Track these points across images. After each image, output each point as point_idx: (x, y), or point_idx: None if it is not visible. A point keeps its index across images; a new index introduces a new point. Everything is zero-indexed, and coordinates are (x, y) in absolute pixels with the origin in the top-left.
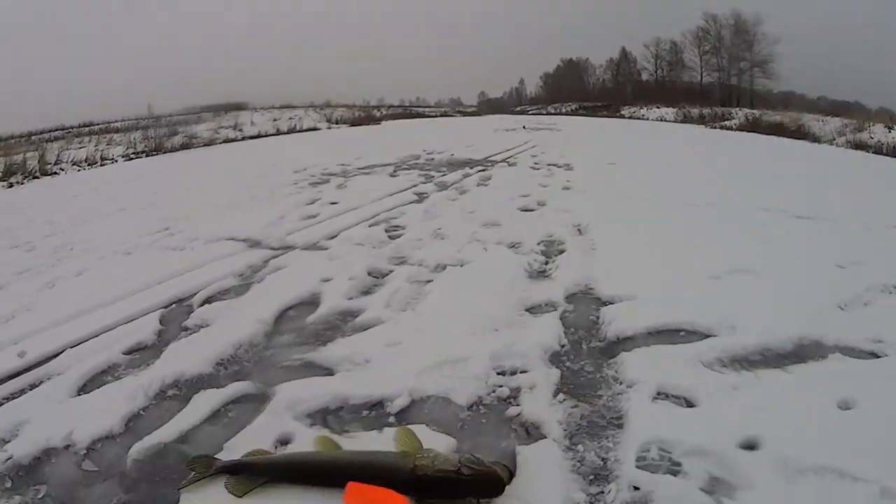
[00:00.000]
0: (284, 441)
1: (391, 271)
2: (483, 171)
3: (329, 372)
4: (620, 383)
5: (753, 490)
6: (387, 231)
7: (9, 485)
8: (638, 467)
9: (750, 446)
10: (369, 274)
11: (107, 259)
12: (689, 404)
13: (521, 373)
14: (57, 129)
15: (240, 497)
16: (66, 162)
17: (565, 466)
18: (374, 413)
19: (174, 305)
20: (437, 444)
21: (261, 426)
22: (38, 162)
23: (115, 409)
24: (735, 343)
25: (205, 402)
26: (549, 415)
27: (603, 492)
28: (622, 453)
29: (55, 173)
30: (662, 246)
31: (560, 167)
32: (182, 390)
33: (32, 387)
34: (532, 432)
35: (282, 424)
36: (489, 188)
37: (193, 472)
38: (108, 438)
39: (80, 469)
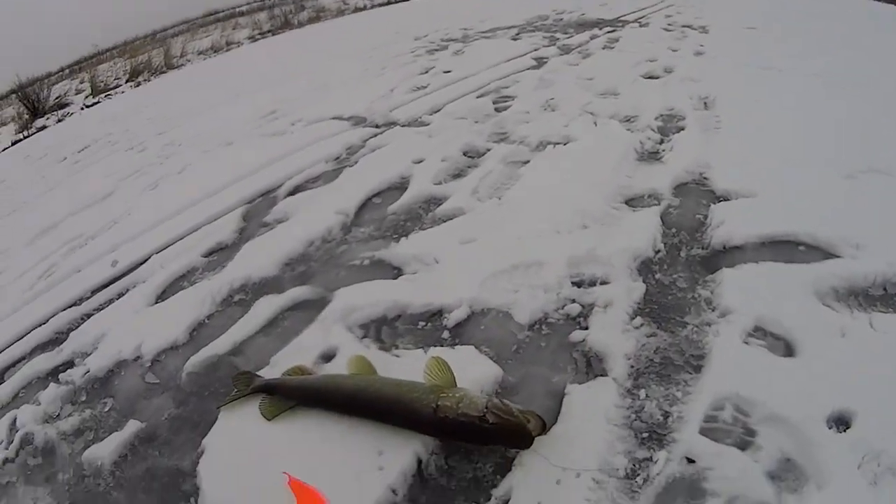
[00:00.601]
0: (327, 356)
1: (488, 150)
2: (612, 31)
3: (396, 273)
4: (713, 309)
5: (825, 488)
6: (494, 103)
7: (83, 398)
8: (703, 431)
9: (840, 422)
10: (464, 154)
11: (209, 152)
12: (787, 351)
13: (600, 284)
14: (181, 24)
15: (269, 420)
16: (192, 53)
17: (617, 417)
18: (429, 325)
19: (260, 199)
20: (480, 371)
21: (309, 338)
22: (164, 57)
23: (182, 319)
24: (857, 269)
25: (264, 309)
26: (618, 345)
27: (650, 459)
28: (690, 409)
29: (181, 66)
30: (796, 131)
31: (695, 29)
32: (248, 295)
33: (120, 295)
34: (593, 365)
35: (330, 337)
36: (614, 52)
37: (235, 390)
38: (171, 349)
39: (143, 381)
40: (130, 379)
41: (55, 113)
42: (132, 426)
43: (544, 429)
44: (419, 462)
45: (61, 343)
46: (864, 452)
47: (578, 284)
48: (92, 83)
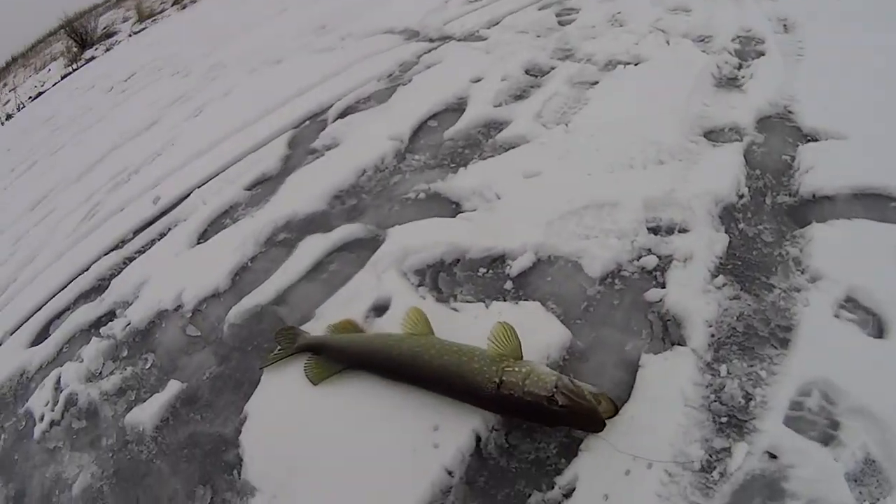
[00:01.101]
0: (380, 309)
1: (552, 69)
2: None
3: (454, 209)
4: (802, 272)
5: None
6: (557, 15)
7: (125, 353)
8: (787, 421)
9: None
10: (526, 72)
11: (255, 72)
12: (878, 330)
13: (679, 232)
14: None
15: (315, 384)
16: None
17: (695, 398)
18: (490, 273)
19: (307, 122)
20: (547, 334)
21: (359, 286)
22: None
23: (224, 263)
24: None
25: (310, 251)
26: (699, 308)
27: (729, 451)
28: (774, 393)
29: None
30: (891, 68)
31: None
32: (293, 233)
33: (161, 236)
34: (670, 331)
35: (382, 285)
36: None
37: (279, 347)
38: (213, 298)
39: (184, 334)
40: (171, 332)
41: (103, 43)
42: (173, 387)
43: (616, 412)
44: (477, 440)
45: (103, 291)
46: None
47: (655, 231)
48: (138, 9)
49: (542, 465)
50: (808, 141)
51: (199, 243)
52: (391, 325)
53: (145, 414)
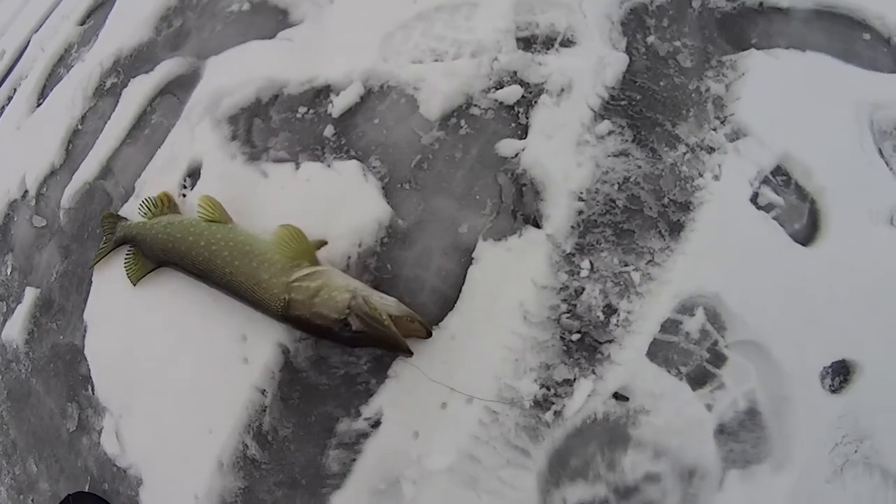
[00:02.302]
0: (194, 172)
1: None
2: None
3: (280, 21)
4: (722, 122)
5: (782, 471)
6: None
7: None
8: (654, 349)
9: (838, 375)
10: None
11: None
12: (808, 231)
13: (559, 47)
14: None
15: (134, 285)
16: None
17: (540, 307)
18: (311, 113)
19: None
20: (361, 206)
21: (175, 146)
22: None
23: (57, 129)
24: None
25: (133, 100)
26: (568, 170)
27: (571, 384)
28: (646, 308)
29: None
30: None
31: None
32: (120, 76)
33: (9, 100)
34: (525, 203)
35: (196, 142)
36: None
37: (104, 238)
38: (51, 177)
39: (32, 226)
40: (22, 225)
41: None
42: (30, 294)
43: (428, 335)
44: (286, 351)
45: None
46: (848, 430)
47: (527, 44)
48: None
49: (353, 384)
50: None
51: (38, 104)
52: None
53: (15, 329)
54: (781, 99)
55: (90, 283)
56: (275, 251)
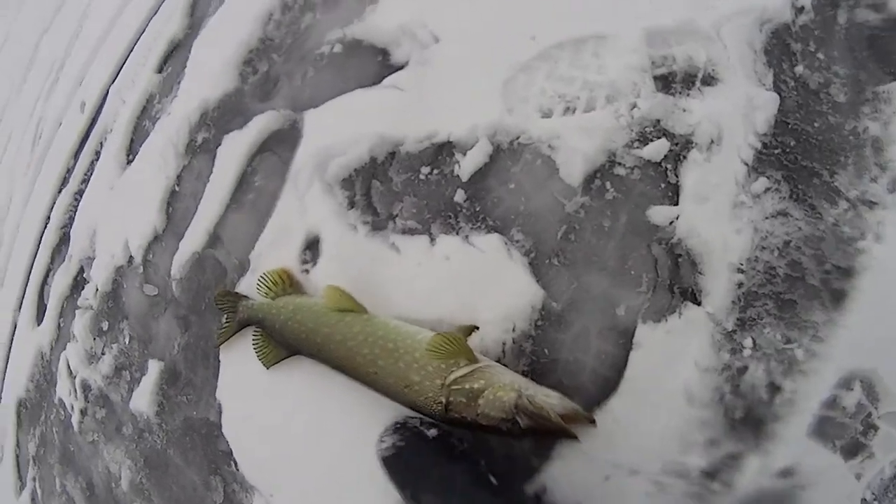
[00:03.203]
0: (312, 244)
1: None
2: None
3: (381, 63)
4: (882, 168)
5: None
6: None
7: (105, 325)
8: (814, 426)
9: None
10: None
11: None
12: None
13: (701, 85)
14: None
15: (267, 369)
16: None
17: (703, 389)
18: (435, 174)
19: None
20: (510, 287)
21: (286, 214)
22: None
23: (153, 191)
24: None
25: (230, 160)
26: (725, 238)
27: (738, 458)
28: (809, 386)
29: None
30: None
31: None
32: (210, 131)
33: (97, 155)
34: (683, 277)
35: (307, 210)
36: None
37: (224, 317)
38: (155, 243)
39: (144, 295)
40: (133, 293)
41: None
42: (155, 367)
43: (592, 425)
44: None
45: (68, 243)
46: None
47: (665, 83)
48: None
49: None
50: None
51: (128, 162)
52: (328, 273)
53: (143, 401)
54: None
55: (215, 357)
56: (426, 354)
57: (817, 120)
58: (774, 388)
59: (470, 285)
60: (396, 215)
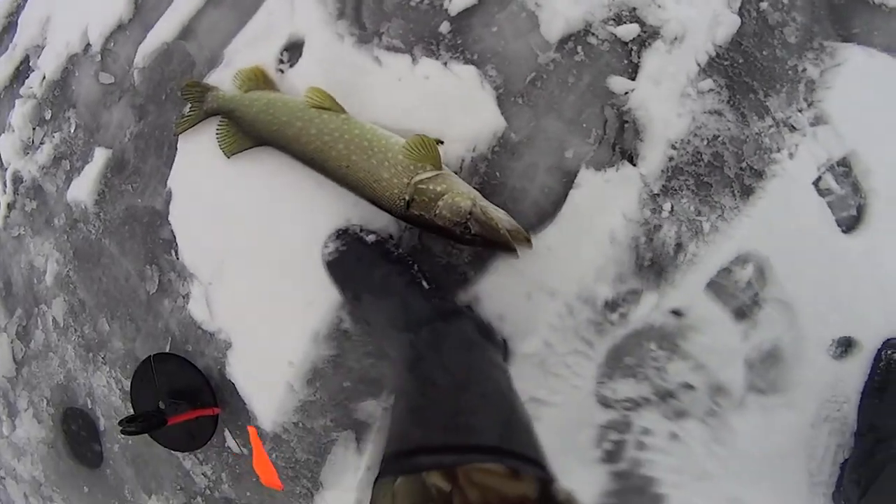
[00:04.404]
0: (294, 47)
1: None
2: None
3: None
4: (809, 105)
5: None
6: None
7: (48, 114)
8: (709, 285)
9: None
10: None
11: None
12: (851, 221)
13: None
14: None
15: (228, 157)
16: None
17: (624, 236)
18: (426, 3)
19: None
20: (477, 114)
21: (272, 14)
22: None
23: None
24: None
25: None
26: (669, 119)
27: (637, 295)
28: (709, 253)
29: None
30: None
31: None
32: None
33: None
34: (625, 140)
35: (296, 14)
36: None
37: (189, 106)
38: (119, 32)
39: (98, 83)
40: (86, 81)
41: None
42: (102, 154)
43: (529, 247)
44: (388, 237)
45: (13, 32)
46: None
47: None
48: None
49: (453, 273)
50: None
51: None
52: (304, 78)
53: (83, 190)
54: (865, 99)
55: (171, 147)
56: (400, 152)
57: (766, 49)
58: (680, 248)
59: (443, 105)
60: (383, 33)
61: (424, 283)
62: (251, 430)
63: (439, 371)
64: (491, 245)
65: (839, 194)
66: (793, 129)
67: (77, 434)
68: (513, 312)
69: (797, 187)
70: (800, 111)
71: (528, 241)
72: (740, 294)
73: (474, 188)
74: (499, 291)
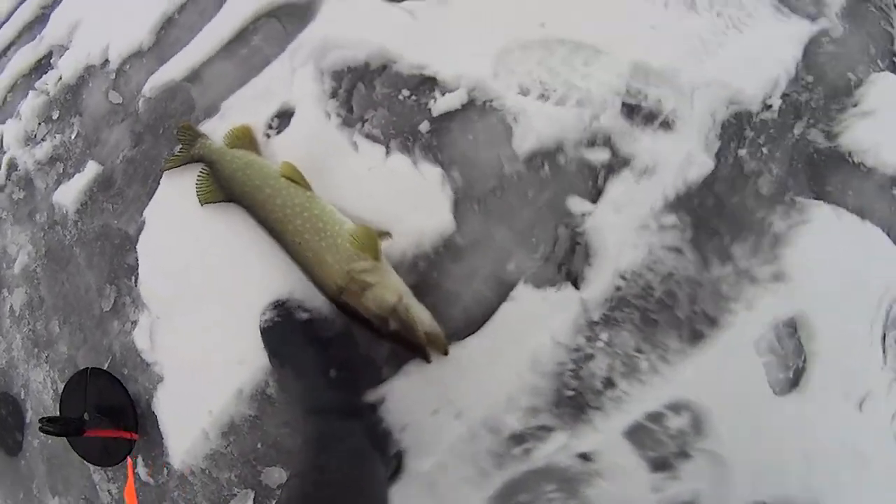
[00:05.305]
0: (284, 114)
1: None
2: None
3: None
4: (771, 260)
5: None
6: None
7: (56, 114)
8: (632, 431)
9: None
10: None
11: None
12: (793, 378)
13: (658, 126)
14: None
15: (201, 204)
16: None
17: (550, 361)
18: (412, 100)
19: None
20: (430, 215)
21: (272, 79)
22: None
23: (152, 9)
24: None
25: (237, 11)
26: (622, 248)
27: (548, 432)
28: (640, 395)
29: None
30: None
31: None
32: None
33: None
34: (574, 263)
35: (293, 84)
36: None
37: (180, 146)
38: (136, 57)
39: (107, 100)
40: (96, 94)
41: None
42: (93, 168)
43: (445, 354)
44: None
45: (44, 23)
46: None
47: (630, 112)
48: None
49: (370, 366)
50: None
51: None
52: (286, 148)
53: (68, 196)
54: (824, 259)
55: (156, 180)
56: (347, 239)
57: (737, 197)
58: (609, 383)
59: (402, 200)
60: (367, 120)
61: (333, 372)
62: (129, 461)
63: (330, 473)
64: (407, 345)
65: (779, 355)
66: (754, 280)
67: (4, 419)
68: (415, 426)
69: (743, 345)
70: (763, 265)
71: (445, 349)
72: (668, 441)
73: (409, 285)
74: (407, 399)
